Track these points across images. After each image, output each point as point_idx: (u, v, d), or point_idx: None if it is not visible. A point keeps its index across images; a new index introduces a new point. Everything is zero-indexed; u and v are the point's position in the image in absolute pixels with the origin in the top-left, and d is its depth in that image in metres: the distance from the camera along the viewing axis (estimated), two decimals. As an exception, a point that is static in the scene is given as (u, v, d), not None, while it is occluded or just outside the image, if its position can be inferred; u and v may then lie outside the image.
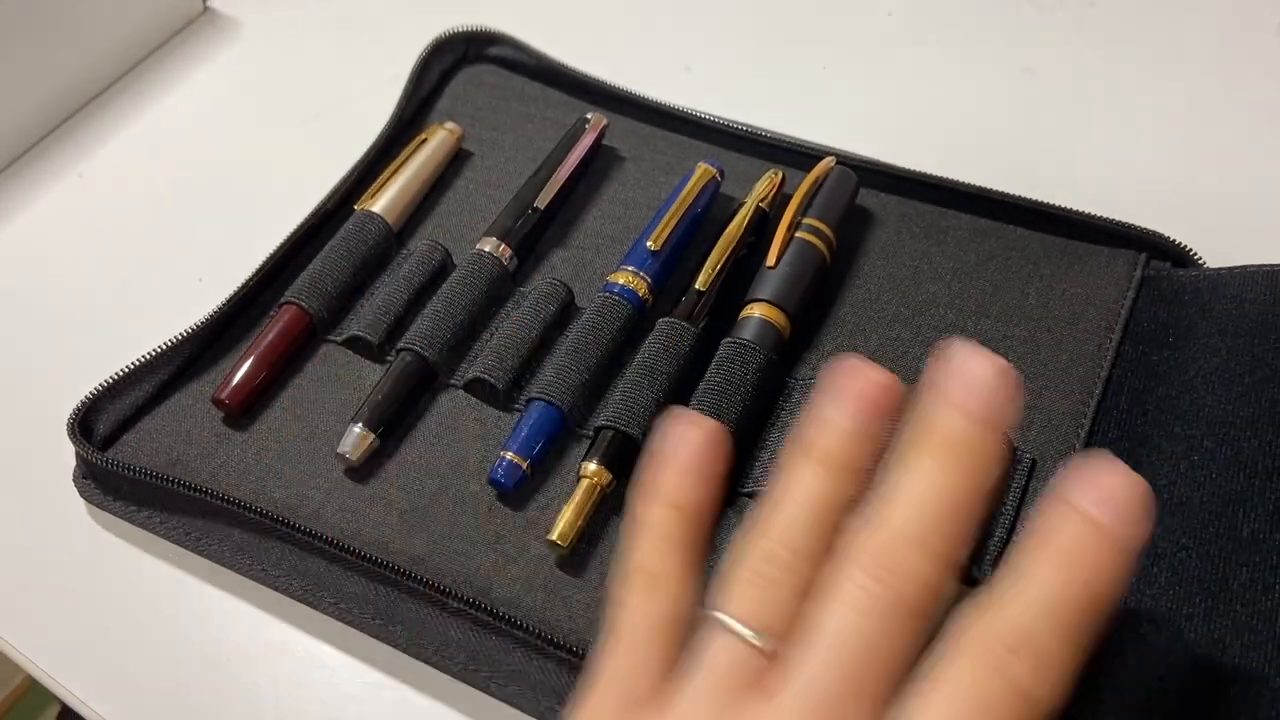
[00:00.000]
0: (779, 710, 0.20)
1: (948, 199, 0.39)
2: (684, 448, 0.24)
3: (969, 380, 0.22)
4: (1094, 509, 0.20)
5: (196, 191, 0.45)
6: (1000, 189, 0.39)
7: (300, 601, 0.32)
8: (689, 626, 0.23)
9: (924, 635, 0.20)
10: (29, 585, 0.34)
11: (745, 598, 0.22)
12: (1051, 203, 0.38)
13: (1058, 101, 0.46)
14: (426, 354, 0.35)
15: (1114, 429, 0.33)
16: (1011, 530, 0.31)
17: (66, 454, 0.35)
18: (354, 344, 0.37)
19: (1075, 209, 0.37)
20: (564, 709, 0.29)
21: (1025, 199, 0.38)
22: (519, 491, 0.33)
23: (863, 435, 0.23)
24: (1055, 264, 0.37)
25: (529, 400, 0.34)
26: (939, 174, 0.39)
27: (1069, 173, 0.42)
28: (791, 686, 0.20)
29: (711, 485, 0.24)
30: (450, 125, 0.43)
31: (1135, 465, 0.21)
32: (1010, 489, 0.31)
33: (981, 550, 0.30)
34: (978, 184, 0.39)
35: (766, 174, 0.39)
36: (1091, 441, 0.32)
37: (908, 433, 0.22)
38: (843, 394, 0.23)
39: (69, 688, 0.32)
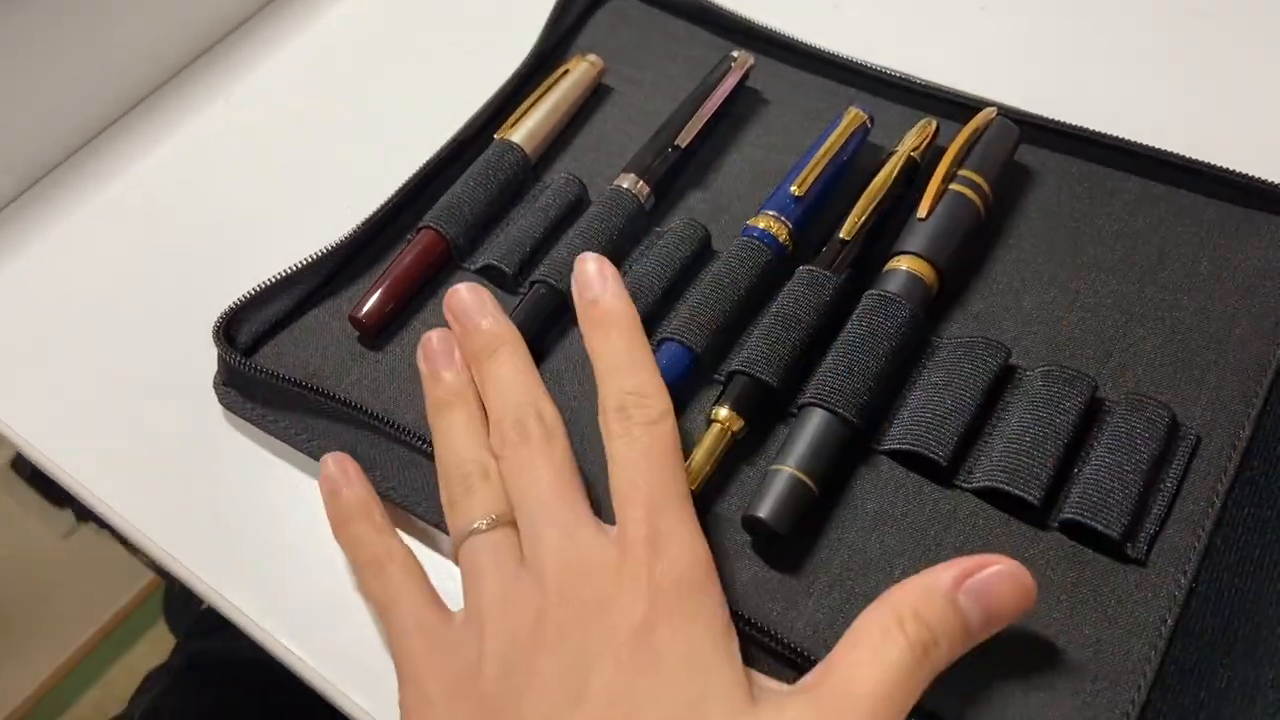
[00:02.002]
0: (530, 547, 0.27)
1: (1115, 159, 0.37)
2: (330, 480, 0.32)
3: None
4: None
5: (344, 119, 0.45)
6: (1173, 150, 0.36)
7: (423, 520, 0.32)
8: (423, 571, 0.30)
9: (565, 443, 0.29)
10: (165, 482, 0.35)
11: (465, 509, 0.29)
12: (1230, 167, 0.35)
13: (1237, 49, 0.42)
14: (561, 286, 0.35)
15: (1289, 412, 0.30)
16: (1170, 506, 0.29)
17: (207, 364, 0.36)
18: (488, 272, 0.37)
19: (1256, 175, 0.35)
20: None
21: (1201, 162, 0.35)
22: (648, 430, 0.32)
23: (452, 373, 0.32)
24: (1231, 233, 0.34)
25: (660, 341, 0.34)
26: (1105, 131, 0.37)
27: (1250, 133, 0.39)
28: (523, 529, 0.28)
29: (359, 484, 0.31)
30: (592, 58, 0.42)
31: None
32: (1172, 466, 0.29)
33: (1136, 527, 0.28)
34: (1149, 143, 0.36)
35: (920, 123, 0.37)
36: (1262, 423, 0.30)
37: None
38: (426, 358, 0.32)
39: (197, 573, 0.33)
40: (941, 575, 0.25)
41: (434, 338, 0.33)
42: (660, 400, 0.29)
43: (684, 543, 0.26)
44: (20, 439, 0.37)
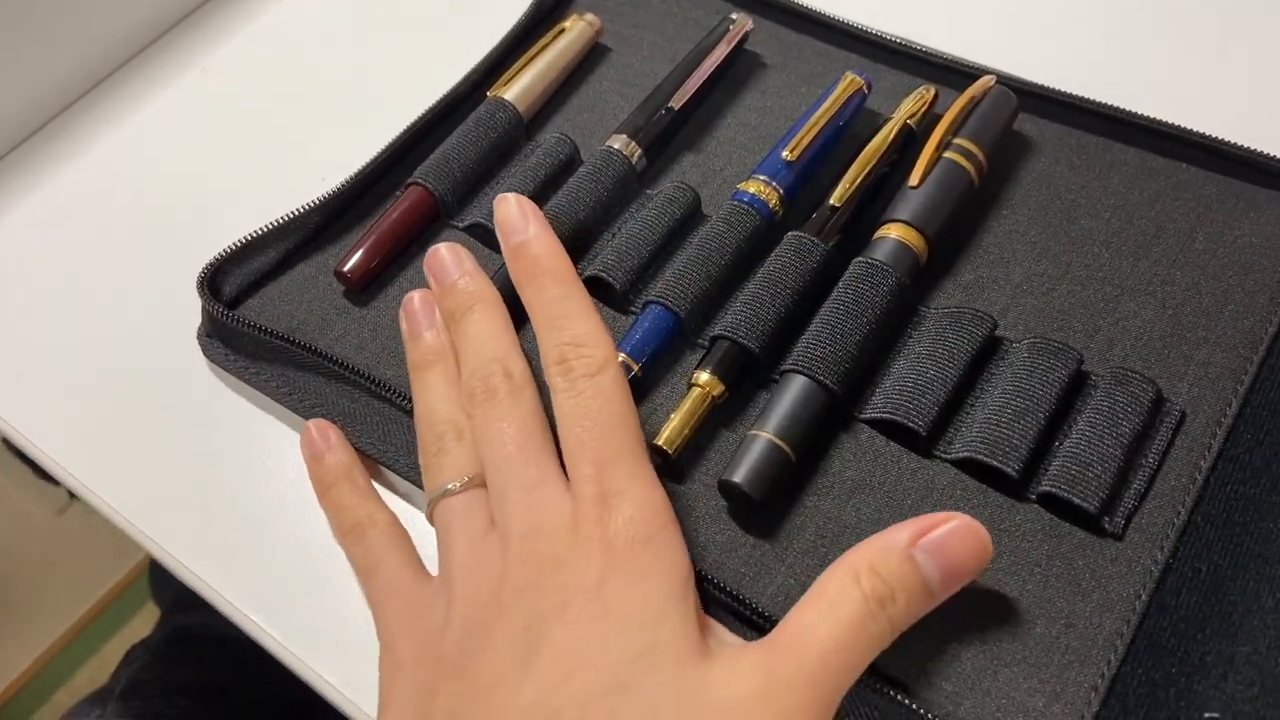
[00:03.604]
0: (497, 507, 0.27)
1: (1115, 130, 0.36)
2: (312, 445, 0.32)
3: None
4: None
5: (322, 89, 0.44)
6: (1174, 122, 0.35)
7: (405, 478, 0.32)
8: (405, 536, 0.30)
9: (532, 398, 0.29)
10: (148, 435, 0.35)
11: (438, 471, 0.29)
12: (1232, 141, 0.34)
13: (1242, 21, 0.41)
14: (547, 246, 0.34)
15: (1276, 389, 0.30)
16: (1150, 483, 0.28)
17: (190, 318, 0.36)
18: (475, 231, 0.37)
19: (1259, 150, 0.34)
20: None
21: (1202, 135, 0.35)
22: (628, 393, 0.32)
23: (432, 333, 0.32)
24: (1230, 209, 0.34)
25: (646, 304, 0.33)
26: (1105, 101, 0.36)
27: (1253, 107, 0.38)
28: (490, 489, 0.28)
29: (341, 449, 0.32)
30: (590, 17, 0.41)
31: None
32: (1155, 441, 0.29)
33: (1114, 502, 0.28)
34: (1149, 115, 0.35)
35: (917, 89, 0.37)
36: (1250, 400, 0.30)
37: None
38: (406, 318, 0.32)
39: (160, 543, 0.33)
40: (898, 533, 0.25)
41: (415, 298, 0.33)
42: (601, 348, 0.28)
43: (636, 498, 0.26)
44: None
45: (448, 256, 0.32)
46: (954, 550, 0.25)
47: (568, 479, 0.27)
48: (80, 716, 0.45)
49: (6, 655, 1.05)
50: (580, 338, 0.28)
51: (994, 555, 0.27)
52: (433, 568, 0.30)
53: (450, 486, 0.29)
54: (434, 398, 0.31)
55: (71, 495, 0.98)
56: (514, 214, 0.31)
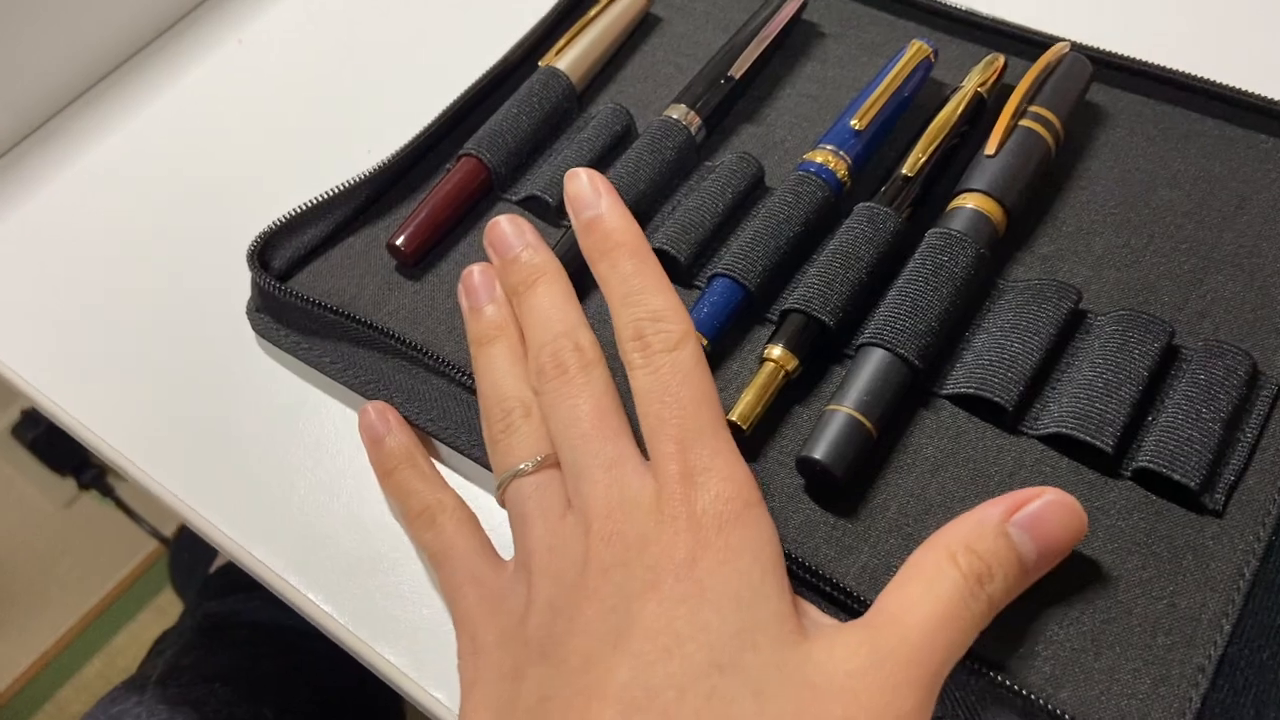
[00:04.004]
0: (573, 486, 0.26)
1: (1193, 101, 0.35)
2: (371, 428, 0.31)
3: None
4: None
5: (361, 61, 0.43)
6: (1253, 90, 0.34)
7: (463, 454, 0.31)
8: (474, 519, 0.29)
9: (604, 373, 0.28)
10: (198, 413, 0.34)
11: (508, 450, 0.28)
12: (1314, 111, 0.33)
13: None
14: (608, 218, 0.33)
15: (1375, 365, 0.29)
16: (1250, 457, 0.27)
17: (238, 291, 0.35)
18: (530, 204, 0.36)
19: (1344, 120, 0.33)
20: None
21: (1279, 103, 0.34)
22: (698, 368, 0.31)
23: (494, 307, 0.31)
24: (1315, 180, 0.33)
25: (712, 277, 0.32)
26: (1182, 69, 0.35)
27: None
28: (565, 468, 0.27)
29: (401, 431, 0.31)
30: (642, -14, 0.40)
31: None
32: (1252, 415, 0.28)
33: (1214, 477, 0.27)
34: (1227, 83, 0.34)
35: (986, 58, 0.36)
36: (1348, 376, 0.28)
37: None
38: (466, 293, 0.31)
39: (217, 524, 0.32)
40: (991, 509, 0.24)
41: (475, 272, 0.31)
42: (679, 322, 0.27)
43: (722, 474, 0.25)
44: (30, 387, 0.35)
45: (508, 228, 0.31)
46: (1049, 525, 0.24)
47: (645, 457, 0.26)
48: (118, 703, 0.44)
49: (14, 648, 1.04)
50: (657, 313, 0.27)
51: (1089, 532, 0.26)
52: (504, 551, 0.29)
53: (523, 467, 0.28)
54: (499, 374, 0.30)
55: (80, 487, 0.97)
56: (585, 188, 0.30)
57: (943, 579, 0.23)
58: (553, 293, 0.30)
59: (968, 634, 0.23)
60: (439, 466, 0.31)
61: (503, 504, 0.28)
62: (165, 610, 1.08)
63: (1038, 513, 0.24)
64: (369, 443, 0.31)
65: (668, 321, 0.27)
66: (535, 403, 0.29)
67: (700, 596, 0.23)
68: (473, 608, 0.27)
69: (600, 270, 0.29)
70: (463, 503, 0.30)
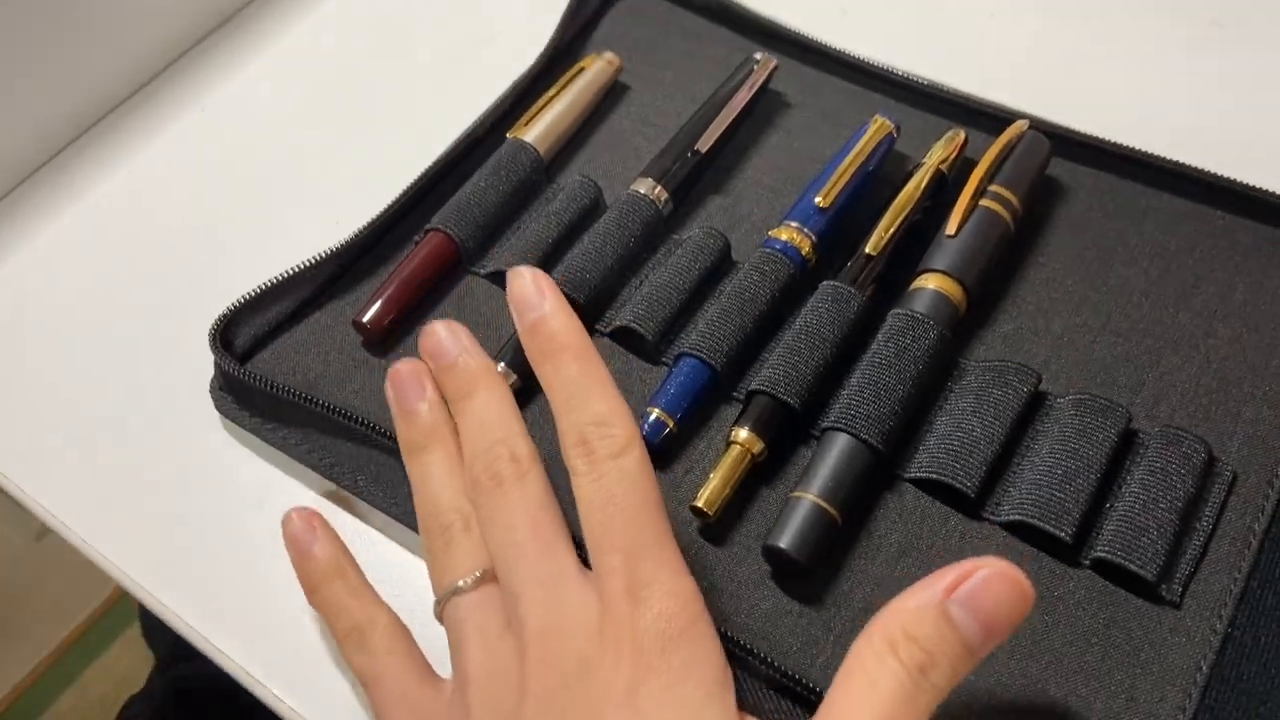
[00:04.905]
0: (511, 606, 0.26)
1: (1148, 176, 0.36)
2: (297, 539, 0.30)
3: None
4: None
5: (328, 130, 0.43)
6: (1207, 168, 0.35)
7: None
8: (408, 636, 0.28)
9: (540, 482, 0.27)
10: (159, 490, 0.34)
11: (446, 567, 0.27)
12: (1263, 187, 0.34)
13: (1255, 59, 0.40)
14: (574, 296, 0.33)
15: (1326, 449, 0.29)
16: (1206, 547, 0.28)
17: (203, 369, 0.35)
18: (498, 279, 0.36)
19: (1293, 197, 0.34)
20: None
21: (1235, 181, 0.34)
22: (664, 451, 0.31)
23: (426, 406, 0.29)
24: (1268, 257, 0.33)
25: (679, 356, 0.32)
26: (1132, 145, 0.36)
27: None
28: (503, 585, 0.26)
29: (328, 541, 0.30)
30: (609, 55, 0.40)
31: None
32: (1208, 504, 0.28)
33: (1171, 568, 0.27)
34: (1180, 159, 0.35)
35: (947, 134, 0.36)
36: (1300, 460, 0.29)
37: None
38: (395, 389, 0.30)
39: (168, 605, 0.32)
40: (929, 589, 0.23)
41: (403, 367, 0.30)
42: (624, 427, 0.26)
43: (667, 588, 0.24)
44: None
45: (444, 334, 0.30)
46: (991, 601, 0.23)
47: (586, 568, 0.26)
48: None
49: (-13, 680, 1.03)
50: (602, 417, 0.26)
51: (1050, 622, 0.27)
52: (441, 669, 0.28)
53: (461, 584, 0.27)
54: (437, 485, 0.28)
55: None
56: (529, 288, 0.29)
57: (885, 674, 0.22)
58: (490, 400, 0.29)
59: None
60: (404, 552, 0.31)
61: (441, 622, 0.27)
62: (136, 644, 1.07)
63: (978, 588, 0.23)
64: (295, 555, 0.30)
65: (612, 426, 0.26)
66: (474, 515, 0.28)
67: None
68: None
69: (544, 373, 0.28)
70: (396, 619, 0.29)
